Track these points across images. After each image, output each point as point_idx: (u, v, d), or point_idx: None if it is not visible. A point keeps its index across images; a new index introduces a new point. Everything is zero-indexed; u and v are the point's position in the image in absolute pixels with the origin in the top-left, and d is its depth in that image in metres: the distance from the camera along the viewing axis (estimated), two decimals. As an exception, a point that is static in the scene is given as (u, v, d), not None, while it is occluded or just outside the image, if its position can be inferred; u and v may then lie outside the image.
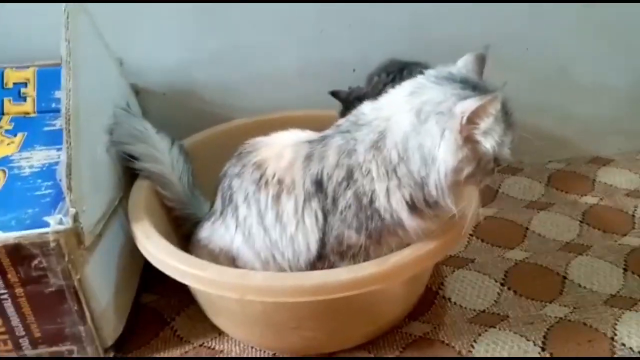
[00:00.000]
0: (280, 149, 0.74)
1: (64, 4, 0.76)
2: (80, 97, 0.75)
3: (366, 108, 0.73)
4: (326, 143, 0.72)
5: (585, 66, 1.21)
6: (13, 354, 0.77)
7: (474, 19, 1.12)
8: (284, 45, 1.12)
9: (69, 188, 0.71)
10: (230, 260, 0.77)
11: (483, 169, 0.67)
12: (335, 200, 0.70)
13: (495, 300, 0.89)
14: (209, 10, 1.06)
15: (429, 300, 0.89)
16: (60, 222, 0.71)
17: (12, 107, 0.94)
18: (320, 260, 0.73)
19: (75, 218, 0.71)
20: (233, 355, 0.82)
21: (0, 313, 0.74)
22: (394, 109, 0.69)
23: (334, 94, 0.96)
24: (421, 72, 0.89)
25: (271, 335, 0.79)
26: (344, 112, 0.93)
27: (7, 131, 0.89)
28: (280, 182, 0.73)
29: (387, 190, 0.69)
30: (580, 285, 0.92)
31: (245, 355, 0.82)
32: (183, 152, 0.92)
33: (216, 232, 0.79)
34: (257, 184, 0.74)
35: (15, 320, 0.75)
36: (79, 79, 0.76)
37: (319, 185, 0.71)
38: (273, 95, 1.15)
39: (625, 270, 0.94)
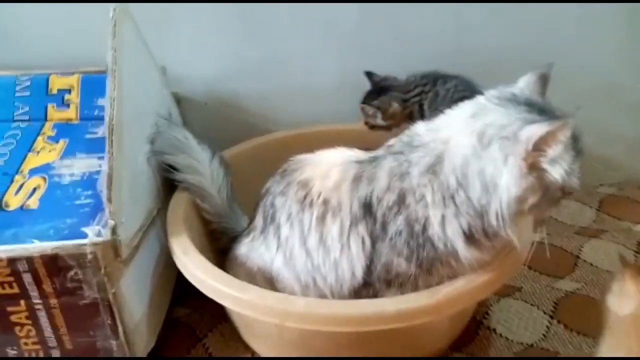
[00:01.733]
0: (327, 168, 0.71)
1: (111, 11, 0.75)
2: (124, 107, 0.74)
3: (421, 128, 0.69)
4: (377, 164, 0.69)
5: (636, 83, 1.14)
6: (44, 365, 0.76)
7: (521, 32, 1.08)
8: (326, 57, 1.09)
9: (109, 199, 0.70)
10: (268, 280, 0.74)
11: (549, 199, 0.62)
12: (384, 226, 0.67)
13: (543, 334, 0.84)
14: (251, 20, 1.05)
15: (472, 330, 0.85)
16: (99, 234, 0.69)
17: (55, 114, 0.93)
18: (365, 287, 0.69)
19: (114, 230, 0.69)
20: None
21: (33, 323, 0.73)
22: (454, 131, 0.65)
23: (369, 74, 0.96)
24: (458, 87, 0.87)
25: (307, 361, 0.76)
26: (369, 95, 0.93)
27: (49, 137, 0.89)
28: (325, 202, 0.69)
29: (443, 218, 0.65)
30: (636, 322, 0.86)
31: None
32: (223, 164, 0.90)
33: (255, 250, 0.77)
34: (302, 204, 0.71)
35: (47, 331, 0.74)
36: (123, 88, 0.74)
37: (367, 208, 0.68)
38: (313, 107, 1.12)
39: (686, 307, 0.88)
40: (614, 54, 1.12)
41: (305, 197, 0.71)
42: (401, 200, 0.66)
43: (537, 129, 0.58)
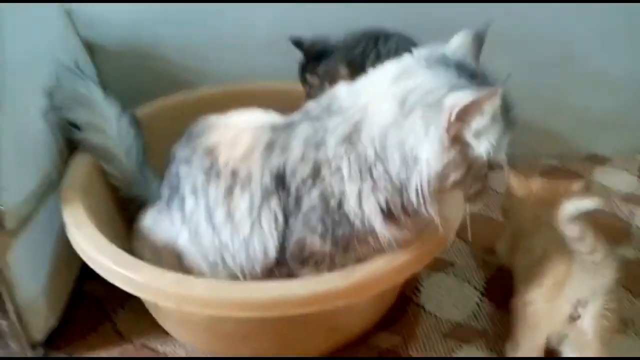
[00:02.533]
0: (237, 133, 0.63)
1: None
2: (5, 52, 0.64)
3: (342, 90, 0.61)
4: (291, 131, 0.61)
5: (590, 53, 1.09)
6: None
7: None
8: (259, 7, 0.99)
9: (-16, 162, 0.60)
10: (175, 258, 0.67)
11: (474, 175, 0.56)
12: (298, 200, 0.60)
13: (474, 313, 0.81)
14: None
15: (401, 307, 0.81)
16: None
17: None
18: (279, 266, 0.63)
19: (-8, 198, 0.60)
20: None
21: None
22: (374, 96, 0.58)
23: (296, 42, 0.82)
24: (399, 46, 0.78)
25: (218, 344, 0.70)
26: (306, 67, 0.82)
27: None
28: (233, 173, 0.62)
29: (360, 192, 0.58)
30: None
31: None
32: (134, 122, 0.81)
33: (160, 223, 0.69)
34: (207, 174, 0.63)
35: None
36: (3, 30, 0.64)
37: (280, 181, 0.60)
38: (243, 62, 1.03)
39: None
40: (571, 22, 1.05)
41: (211, 167, 0.63)
42: (316, 173, 0.59)
43: (462, 98, 0.52)
